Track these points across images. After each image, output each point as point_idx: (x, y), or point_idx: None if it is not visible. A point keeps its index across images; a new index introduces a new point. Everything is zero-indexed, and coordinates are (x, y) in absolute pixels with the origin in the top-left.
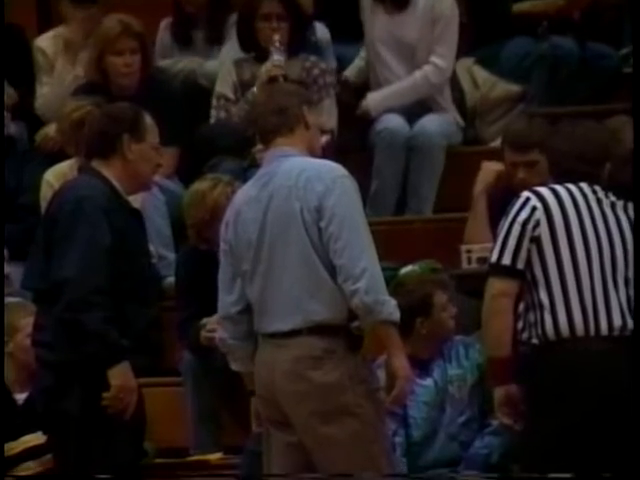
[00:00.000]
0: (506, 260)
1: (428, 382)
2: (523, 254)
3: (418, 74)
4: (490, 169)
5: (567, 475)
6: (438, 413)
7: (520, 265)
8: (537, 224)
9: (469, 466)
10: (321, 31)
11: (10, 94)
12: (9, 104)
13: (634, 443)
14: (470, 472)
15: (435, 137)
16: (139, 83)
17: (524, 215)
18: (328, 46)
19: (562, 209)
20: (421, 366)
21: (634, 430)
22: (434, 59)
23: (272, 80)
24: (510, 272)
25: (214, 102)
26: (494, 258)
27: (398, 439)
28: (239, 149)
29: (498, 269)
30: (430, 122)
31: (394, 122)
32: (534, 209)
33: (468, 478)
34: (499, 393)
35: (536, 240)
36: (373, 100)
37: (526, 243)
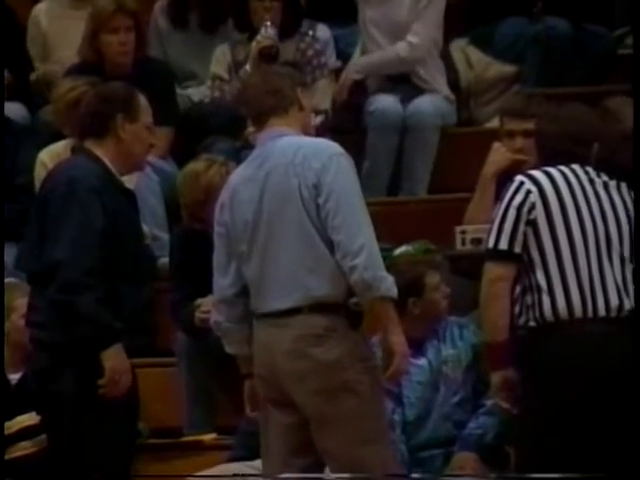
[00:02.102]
0: (503, 245)
1: (422, 362)
2: (520, 238)
3: (390, 49)
4: (504, 154)
5: (566, 475)
6: (432, 393)
7: (517, 249)
8: (532, 207)
9: (463, 446)
10: (322, 31)
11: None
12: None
13: (632, 426)
14: (464, 453)
15: (429, 117)
16: (133, 62)
17: (519, 199)
18: (329, 46)
19: (556, 191)
20: (415, 346)
21: (632, 413)
22: (408, 36)
23: (263, 52)
24: (507, 256)
25: (209, 82)
26: (491, 243)
27: (396, 417)
28: (232, 127)
29: (495, 254)
30: (424, 102)
31: (386, 102)
32: (528, 192)
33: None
34: (497, 378)
35: (532, 223)
36: (348, 68)
37: (522, 227)
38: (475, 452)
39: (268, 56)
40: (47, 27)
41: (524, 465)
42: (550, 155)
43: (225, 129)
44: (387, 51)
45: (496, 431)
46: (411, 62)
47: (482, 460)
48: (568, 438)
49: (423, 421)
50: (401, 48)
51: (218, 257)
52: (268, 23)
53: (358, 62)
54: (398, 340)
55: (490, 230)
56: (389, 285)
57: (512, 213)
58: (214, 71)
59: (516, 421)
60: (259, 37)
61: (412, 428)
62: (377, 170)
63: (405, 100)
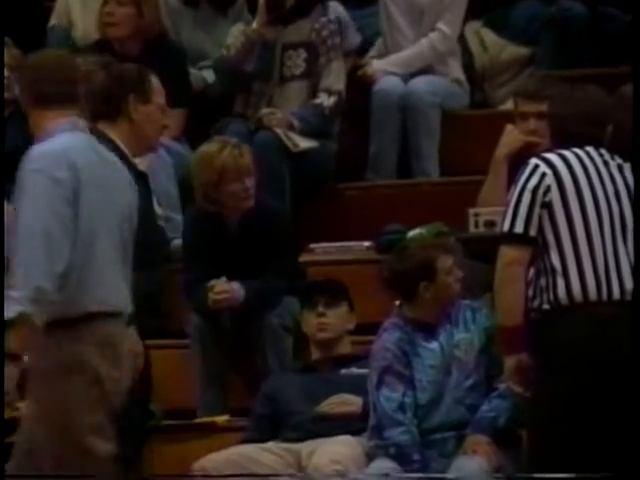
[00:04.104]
0: (518, 228)
1: (434, 345)
2: (535, 221)
3: (424, 42)
4: (517, 136)
5: (568, 475)
6: (444, 377)
7: (532, 232)
8: (547, 190)
9: (476, 430)
10: (336, 11)
11: (13, 54)
12: (14, 64)
13: None
14: (476, 436)
15: (424, 95)
16: (144, 43)
17: (534, 182)
18: (347, 24)
19: (572, 174)
20: (427, 329)
21: None
22: (441, 25)
23: (269, 3)
24: (523, 240)
25: (223, 51)
26: (506, 226)
27: (407, 400)
28: (236, 86)
29: (510, 237)
30: (419, 82)
31: (389, 82)
32: (544, 175)
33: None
34: (510, 362)
35: (547, 206)
36: (377, 67)
37: (537, 210)
38: (487, 435)
39: (275, 4)
40: (72, 2)
41: (537, 448)
42: (563, 137)
43: (227, 83)
44: (417, 46)
45: (509, 414)
46: (445, 54)
47: (494, 442)
48: (581, 421)
49: (436, 404)
50: (436, 40)
51: None
52: None
53: (388, 61)
54: None
55: (505, 213)
56: None
57: (527, 196)
58: (229, 42)
59: (529, 404)
60: None
61: (424, 411)
62: (384, 151)
63: (407, 80)
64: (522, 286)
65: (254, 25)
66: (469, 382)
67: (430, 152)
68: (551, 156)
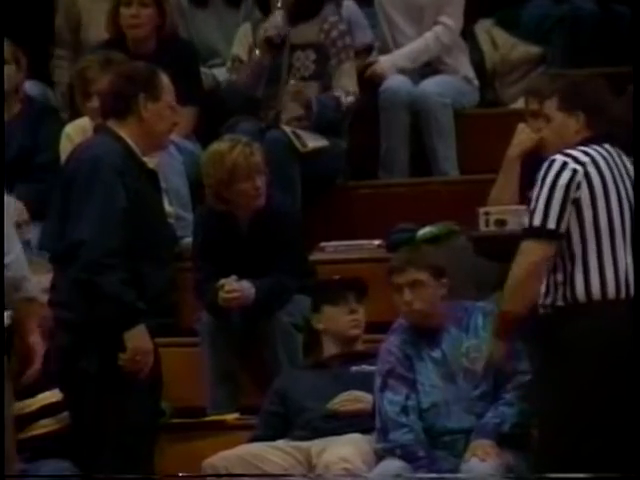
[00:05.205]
0: (551, 224)
1: (436, 353)
2: (566, 217)
3: (429, 35)
4: (529, 134)
5: (573, 475)
6: (448, 384)
7: (563, 229)
8: (578, 187)
9: (479, 434)
10: (349, 9)
11: (8, 49)
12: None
13: None
14: (480, 441)
15: (434, 96)
16: (157, 42)
17: (566, 178)
18: (359, 23)
19: (599, 171)
20: (428, 335)
21: None
22: (443, 19)
23: (268, 41)
24: (553, 236)
25: (228, 64)
26: (537, 222)
27: (410, 403)
28: (247, 110)
29: (542, 233)
30: (429, 83)
31: (396, 81)
32: (575, 172)
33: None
34: (502, 347)
35: (576, 202)
36: (386, 63)
37: (569, 207)
38: (491, 439)
39: (272, 44)
40: (82, 4)
41: (549, 445)
42: (603, 135)
43: (239, 110)
44: (422, 40)
45: (514, 421)
46: (449, 46)
47: (499, 446)
48: (596, 420)
49: (439, 410)
50: (441, 33)
51: None
52: (279, 4)
53: (395, 57)
54: None
55: (533, 209)
56: None
57: (560, 192)
58: (234, 52)
59: (542, 402)
60: (266, 24)
61: (430, 415)
62: (394, 149)
63: (418, 81)
64: (542, 280)
65: (257, 52)
66: (478, 392)
67: (447, 153)
68: (576, 153)
